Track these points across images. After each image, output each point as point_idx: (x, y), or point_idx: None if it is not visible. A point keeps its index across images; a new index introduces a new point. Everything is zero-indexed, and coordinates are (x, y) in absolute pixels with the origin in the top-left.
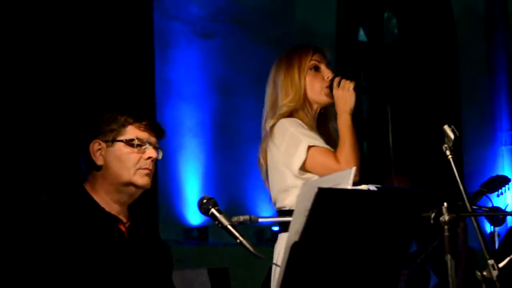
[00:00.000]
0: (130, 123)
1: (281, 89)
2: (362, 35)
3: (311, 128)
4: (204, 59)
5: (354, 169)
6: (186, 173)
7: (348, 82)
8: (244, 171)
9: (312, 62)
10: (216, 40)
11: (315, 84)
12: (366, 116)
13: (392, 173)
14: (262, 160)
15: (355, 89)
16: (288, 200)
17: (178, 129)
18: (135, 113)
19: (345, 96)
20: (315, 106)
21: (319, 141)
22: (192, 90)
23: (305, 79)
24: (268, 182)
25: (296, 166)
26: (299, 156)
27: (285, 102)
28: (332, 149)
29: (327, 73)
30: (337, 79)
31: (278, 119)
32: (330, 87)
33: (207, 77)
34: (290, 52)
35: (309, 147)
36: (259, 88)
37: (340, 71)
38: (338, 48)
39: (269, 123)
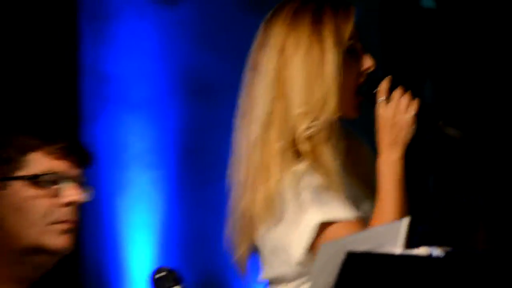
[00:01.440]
0: (36, 148)
1: (301, 81)
2: None
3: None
4: (164, 39)
5: (406, 221)
6: (132, 228)
7: (408, 98)
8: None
9: (351, 40)
10: (182, 8)
11: (348, 80)
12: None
13: (478, 224)
14: None
15: (419, 114)
16: None
17: (119, 154)
18: (45, 129)
19: (400, 122)
20: (335, 117)
21: (343, 208)
22: (143, 90)
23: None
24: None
25: (297, 253)
26: (301, 238)
27: (303, 109)
28: (360, 218)
29: (368, 63)
30: (385, 86)
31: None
32: (364, 93)
33: (169, 68)
34: (317, 7)
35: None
36: None
37: None
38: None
39: None
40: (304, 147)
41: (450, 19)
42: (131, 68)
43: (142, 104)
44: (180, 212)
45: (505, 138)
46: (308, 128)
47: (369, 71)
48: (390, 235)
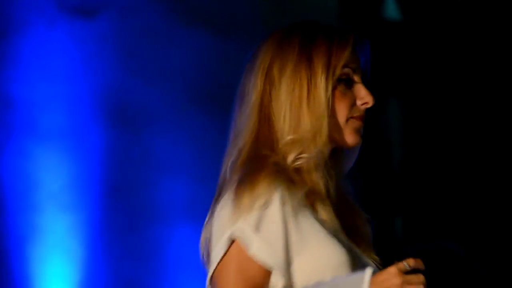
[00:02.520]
0: None
1: (286, 107)
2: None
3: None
4: (80, 57)
5: (369, 272)
6: (47, 281)
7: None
8: None
9: (347, 68)
10: (102, 19)
11: (340, 110)
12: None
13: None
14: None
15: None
16: None
17: (29, 193)
18: None
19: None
20: (326, 149)
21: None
22: (57, 117)
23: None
24: None
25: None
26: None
27: (294, 137)
28: None
29: (363, 94)
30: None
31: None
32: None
33: (87, 92)
34: (308, 30)
35: None
36: (198, 105)
37: None
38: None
39: None
40: (294, 177)
41: (417, 32)
42: (41, 91)
43: (55, 133)
44: (104, 263)
45: (475, 158)
46: (296, 159)
47: (366, 107)
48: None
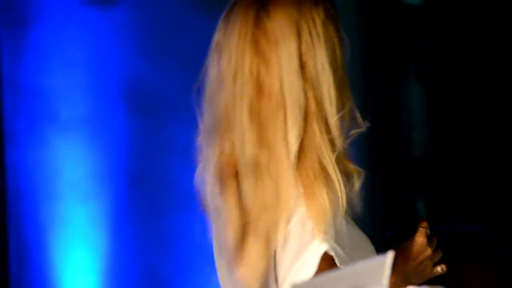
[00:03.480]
0: None
1: (329, 77)
2: None
3: None
4: (99, 46)
5: (391, 256)
6: (69, 273)
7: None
8: None
9: None
10: (120, 9)
11: None
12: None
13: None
14: None
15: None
16: None
17: (50, 183)
18: None
19: (419, 269)
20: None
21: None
22: (76, 106)
23: None
24: None
25: None
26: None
27: (339, 116)
28: None
29: None
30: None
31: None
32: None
33: (106, 81)
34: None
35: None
36: None
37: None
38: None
39: None
40: (344, 160)
41: (437, 16)
42: (61, 80)
43: (76, 123)
44: (126, 251)
45: (496, 143)
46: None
47: None
48: (373, 273)
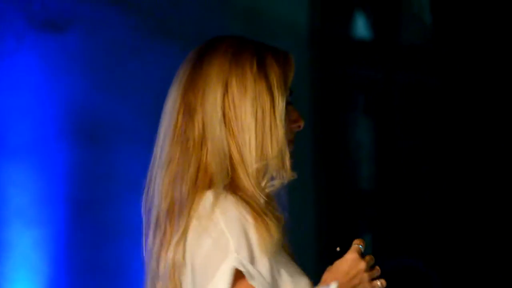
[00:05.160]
0: None
1: (250, 129)
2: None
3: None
4: (48, 72)
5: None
6: None
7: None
8: None
9: (288, 90)
10: (70, 34)
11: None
12: None
13: None
14: (171, 256)
15: None
16: None
17: None
18: None
19: (354, 282)
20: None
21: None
22: (23, 132)
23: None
24: None
25: None
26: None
27: (262, 163)
28: None
29: (297, 116)
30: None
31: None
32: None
33: (55, 107)
34: (257, 48)
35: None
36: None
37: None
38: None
39: (203, 193)
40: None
41: (388, 49)
42: (7, 105)
43: (22, 149)
44: (69, 279)
45: (444, 175)
46: (266, 186)
47: (298, 130)
48: None
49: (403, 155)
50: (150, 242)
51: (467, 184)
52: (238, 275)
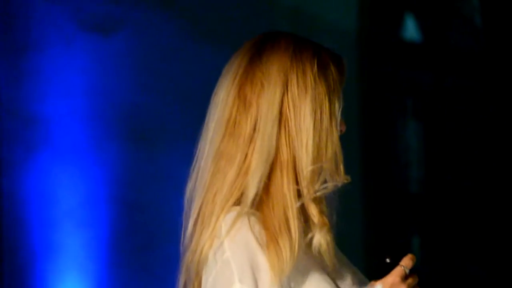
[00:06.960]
0: None
1: (309, 130)
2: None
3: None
4: (97, 74)
5: None
6: None
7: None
8: None
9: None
10: (119, 37)
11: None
12: None
13: None
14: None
15: None
16: None
17: (47, 210)
18: None
19: None
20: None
21: None
22: (73, 135)
23: None
24: None
25: None
26: None
27: (316, 166)
28: None
29: (343, 126)
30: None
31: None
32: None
33: (103, 109)
34: (315, 48)
35: None
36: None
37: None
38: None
39: (229, 210)
40: (311, 209)
41: (436, 53)
42: (59, 108)
43: (73, 150)
44: (118, 281)
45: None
46: (318, 190)
47: (341, 134)
48: None
49: (452, 159)
50: (189, 232)
51: None
52: None
